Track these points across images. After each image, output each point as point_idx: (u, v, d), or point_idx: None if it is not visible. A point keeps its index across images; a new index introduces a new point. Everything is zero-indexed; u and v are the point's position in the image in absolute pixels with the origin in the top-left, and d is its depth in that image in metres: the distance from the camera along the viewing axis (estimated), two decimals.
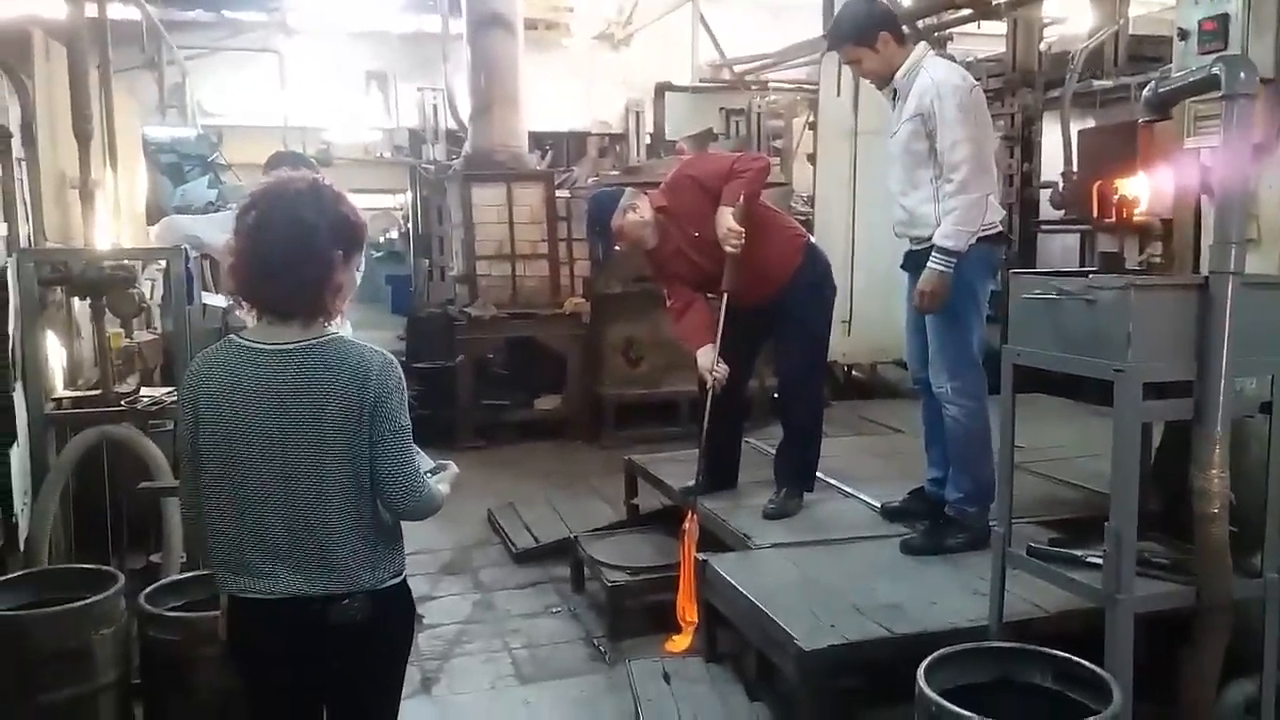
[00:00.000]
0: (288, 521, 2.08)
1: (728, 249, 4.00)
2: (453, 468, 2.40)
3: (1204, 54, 3.28)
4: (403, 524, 2.21)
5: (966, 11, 7.17)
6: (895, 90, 3.75)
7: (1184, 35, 3.40)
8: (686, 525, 3.87)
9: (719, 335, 4.09)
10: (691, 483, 4.29)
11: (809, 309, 4.28)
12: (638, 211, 4.19)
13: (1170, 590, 2.65)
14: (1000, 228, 3.80)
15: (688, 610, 3.68)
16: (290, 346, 2.10)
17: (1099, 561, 2.70)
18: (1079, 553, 2.86)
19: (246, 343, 2.13)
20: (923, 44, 3.85)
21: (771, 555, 3.74)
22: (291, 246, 2.09)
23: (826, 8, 7.55)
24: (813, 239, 4.59)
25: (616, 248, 4.36)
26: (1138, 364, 2.48)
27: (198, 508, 2.17)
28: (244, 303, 2.17)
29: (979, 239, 3.64)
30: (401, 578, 2.22)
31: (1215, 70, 2.56)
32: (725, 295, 4.10)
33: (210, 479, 2.11)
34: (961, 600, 3.28)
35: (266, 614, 2.11)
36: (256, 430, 2.06)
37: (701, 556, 3.73)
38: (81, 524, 4.21)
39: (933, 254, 3.59)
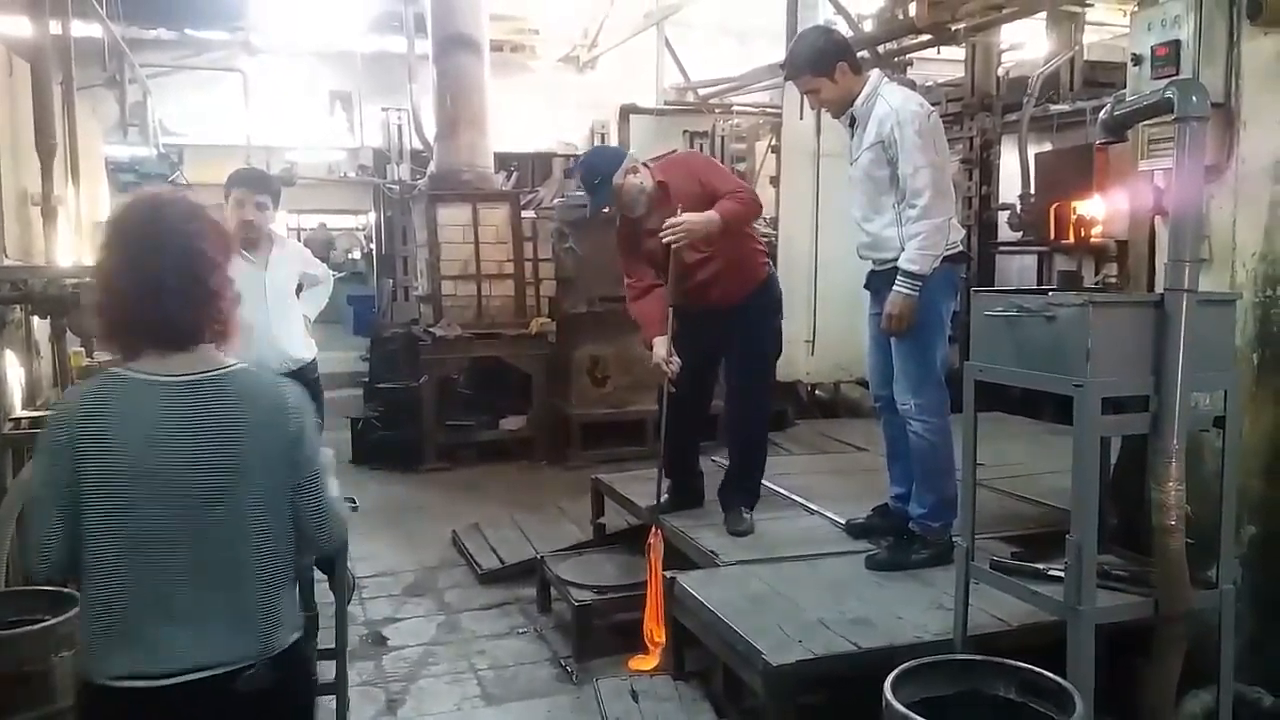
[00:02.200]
0: (195, 576, 1.81)
1: (667, 238, 3.96)
2: (327, 455, 2.14)
3: (1157, 78, 3.38)
4: (350, 549, 2.13)
5: (926, 37, 7.29)
6: (853, 118, 3.81)
7: (1137, 60, 3.50)
8: (651, 541, 3.87)
9: (669, 328, 4.08)
10: (655, 501, 4.30)
11: (761, 328, 4.32)
12: (639, 175, 4.13)
13: (1130, 602, 2.70)
14: (961, 247, 3.87)
15: (655, 631, 3.69)
16: (199, 377, 1.85)
17: (1060, 574, 2.75)
18: (1040, 566, 2.92)
19: (142, 375, 1.84)
20: (876, 71, 3.91)
21: (738, 572, 3.76)
22: (183, 263, 1.85)
23: (790, 33, 7.66)
24: (775, 271, 4.62)
25: (605, 209, 4.22)
26: (1097, 379, 2.53)
27: (55, 561, 1.84)
28: (115, 338, 1.90)
29: (951, 256, 3.72)
30: (302, 632, 2.00)
31: (1169, 94, 2.64)
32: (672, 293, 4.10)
33: (94, 530, 1.79)
34: (926, 614, 3.31)
35: (146, 704, 1.79)
36: (161, 472, 1.79)
37: (669, 574, 3.74)
38: None
39: (898, 278, 3.65)
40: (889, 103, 3.67)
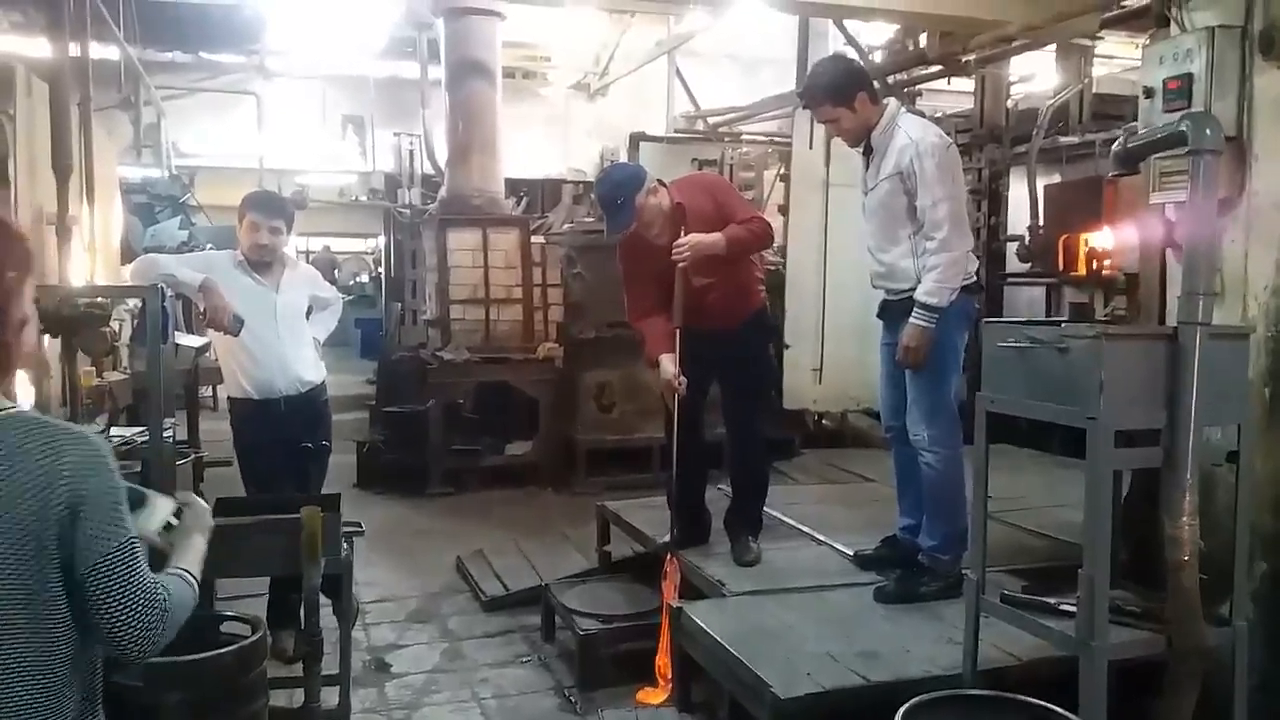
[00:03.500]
0: None
1: (675, 255, 3.94)
2: (199, 505, 1.83)
3: (1169, 111, 3.38)
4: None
5: (937, 68, 7.32)
6: (870, 147, 3.80)
7: (1149, 93, 3.51)
8: (667, 570, 3.84)
9: (676, 346, 4.05)
10: (667, 536, 4.28)
11: (758, 355, 4.33)
12: (658, 197, 4.06)
13: (1142, 638, 2.67)
14: (975, 278, 3.86)
15: (665, 667, 3.65)
16: None
17: (1072, 609, 2.72)
18: (1052, 600, 2.89)
19: None
20: (894, 100, 3.90)
21: (746, 602, 3.73)
22: None
23: (800, 63, 7.71)
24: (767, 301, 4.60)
25: (629, 227, 4.07)
26: (1110, 412, 2.52)
27: None
28: None
29: (965, 288, 3.72)
30: None
31: (1182, 127, 2.64)
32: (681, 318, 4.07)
33: None
34: (936, 648, 3.28)
35: None
36: None
37: (676, 603, 3.71)
38: None
39: (915, 310, 3.64)
40: (909, 134, 3.67)
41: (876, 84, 7.47)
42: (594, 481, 7.67)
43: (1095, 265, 6.44)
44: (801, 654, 3.20)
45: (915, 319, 3.63)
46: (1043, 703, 2.47)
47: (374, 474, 7.91)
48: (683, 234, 4.01)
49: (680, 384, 4.04)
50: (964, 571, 3.55)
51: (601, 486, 7.51)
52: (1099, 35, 5.86)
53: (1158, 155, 3.23)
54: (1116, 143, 2.96)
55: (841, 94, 3.75)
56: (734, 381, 4.27)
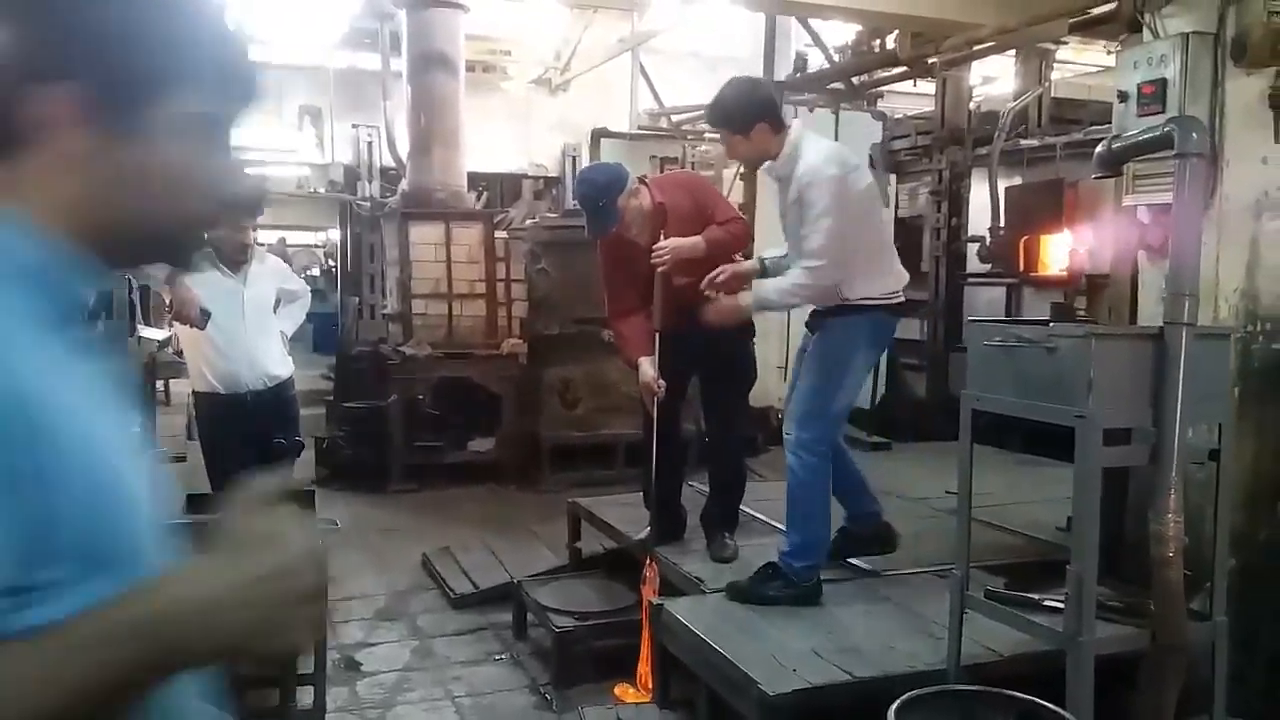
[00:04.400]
0: None
1: (654, 260, 3.93)
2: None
3: (1143, 115, 3.45)
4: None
5: (899, 70, 7.40)
6: (778, 175, 3.72)
7: (1124, 97, 3.56)
8: (646, 574, 3.82)
9: (655, 349, 4.04)
10: (644, 534, 4.28)
11: (739, 355, 4.30)
12: (639, 199, 4.05)
13: (1127, 633, 2.71)
14: (900, 298, 3.75)
15: (647, 676, 3.64)
16: None
17: (1056, 605, 2.76)
18: (1035, 596, 2.92)
19: None
20: (797, 124, 3.79)
21: (725, 599, 3.73)
22: None
23: (768, 61, 7.74)
24: None
25: (611, 229, 4.06)
26: (1099, 410, 2.56)
27: None
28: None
29: (874, 305, 3.64)
30: None
31: (1169, 130, 2.68)
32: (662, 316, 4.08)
33: None
34: (917, 643, 3.30)
35: None
36: None
37: (656, 600, 3.70)
38: None
39: (753, 290, 3.70)
40: (806, 162, 3.58)
41: (841, 85, 7.60)
42: (559, 478, 7.64)
43: (1070, 267, 6.49)
44: (785, 650, 3.21)
45: (741, 297, 3.71)
46: (1033, 698, 2.49)
47: (334, 470, 7.80)
48: (663, 236, 4.00)
49: (660, 387, 4.03)
50: (821, 581, 3.65)
51: (567, 483, 7.47)
52: (1063, 40, 5.95)
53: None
54: (1100, 145, 3.01)
55: (737, 122, 3.67)
56: (715, 379, 4.27)
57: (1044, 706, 2.49)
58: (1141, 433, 2.64)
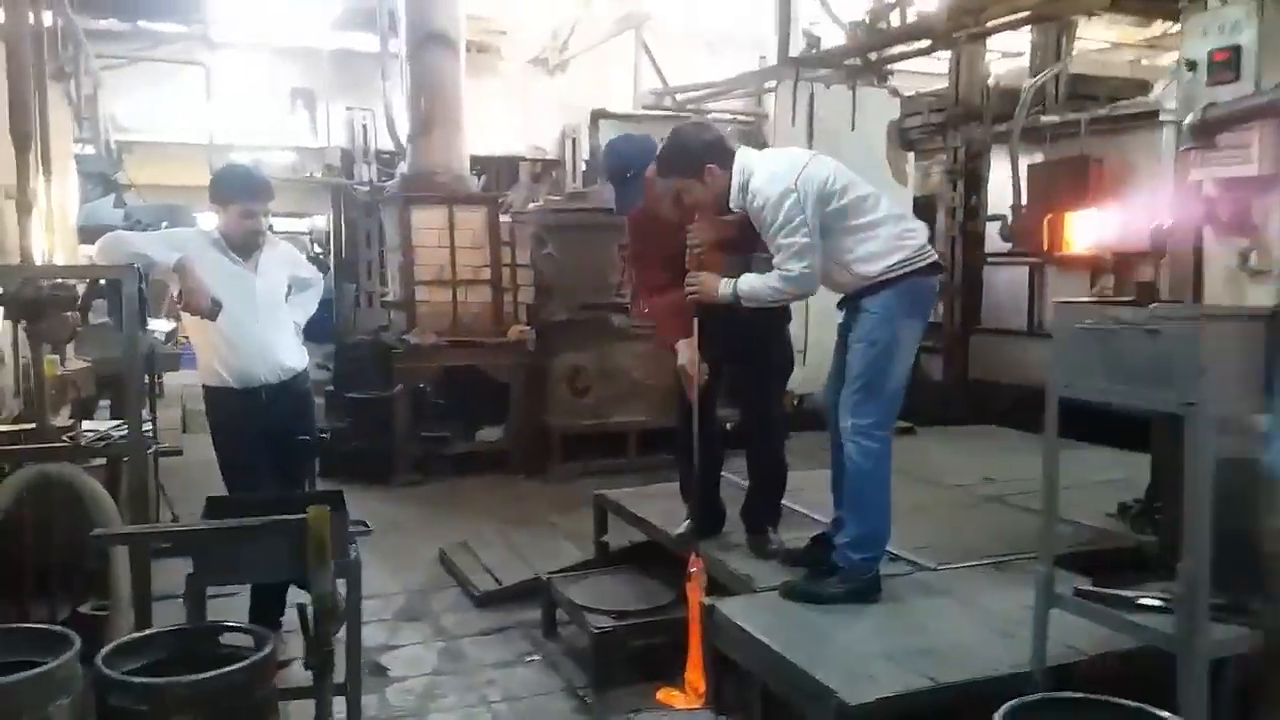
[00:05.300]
0: None
1: (691, 241, 3.77)
2: None
3: (1214, 85, 3.27)
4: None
5: (915, 45, 7.21)
6: (738, 208, 3.61)
7: (1192, 66, 3.39)
8: (691, 571, 3.62)
9: (694, 330, 3.84)
10: (683, 529, 4.09)
11: (777, 340, 4.11)
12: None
13: (1239, 635, 2.54)
14: (929, 256, 3.61)
15: (698, 681, 3.46)
16: None
17: (1153, 603, 2.60)
18: (1128, 594, 2.76)
19: None
20: (739, 155, 3.64)
21: (779, 598, 3.55)
22: None
23: (782, 38, 7.54)
24: None
25: (638, 204, 3.94)
26: (1210, 398, 2.38)
27: None
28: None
29: (910, 273, 3.51)
30: None
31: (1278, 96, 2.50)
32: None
33: None
34: (990, 644, 3.13)
35: None
36: None
37: (707, 601, 3.51)
38: None
39: (735, 283, 3.57)
40: (752, 184, 3.52)
41: (858, 61, 7.39)
42: (570, 467, 7.47)
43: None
44: (855, 654, 3.04)
45: (723, 287, 3.58)
46: (1146, 706, 2.32)
47: (336, 462, 7.56)
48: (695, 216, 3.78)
49: (703, 372, 3.83)
50: (880, 575, 3.53)
51: (578, 473, 7.33)
52: (1098, 12, 5.75)
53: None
54: (1192, 114, 2.82)
55: (689, 168, 3.59)
56: (754, 362, 4.06)
57: (1157, 715, 2.31)
58: (1249, 422, 2.46)
